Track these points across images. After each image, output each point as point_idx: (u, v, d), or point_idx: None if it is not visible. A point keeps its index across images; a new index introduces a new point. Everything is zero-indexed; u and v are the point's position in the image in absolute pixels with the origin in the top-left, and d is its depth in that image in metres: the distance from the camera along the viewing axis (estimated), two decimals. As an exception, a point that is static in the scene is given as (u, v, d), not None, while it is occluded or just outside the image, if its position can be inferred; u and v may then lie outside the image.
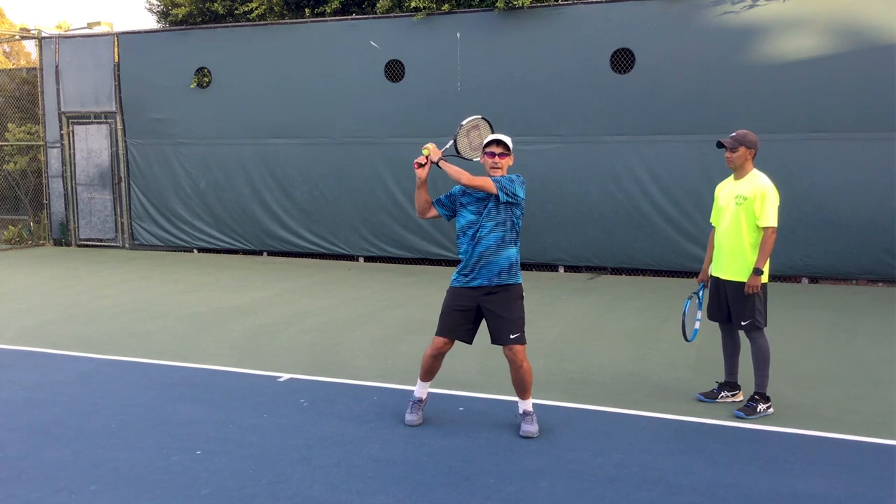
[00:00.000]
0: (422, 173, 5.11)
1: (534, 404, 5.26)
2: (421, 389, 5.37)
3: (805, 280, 10.47)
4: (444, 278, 11.19)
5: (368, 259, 12.63)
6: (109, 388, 6.21)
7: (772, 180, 10.80)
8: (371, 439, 5.05)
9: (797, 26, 9.97)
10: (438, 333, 5.20)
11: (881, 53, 9.69)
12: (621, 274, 11.24)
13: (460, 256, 5.16)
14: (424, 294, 9.97)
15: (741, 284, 5.45)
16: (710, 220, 5.88)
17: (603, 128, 10.96)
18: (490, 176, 5.12)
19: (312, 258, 12.90)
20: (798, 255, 10.34)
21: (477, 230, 5.07)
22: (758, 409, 5.39)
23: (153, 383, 6.30)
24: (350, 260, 12.71)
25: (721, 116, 10.22)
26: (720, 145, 5.59)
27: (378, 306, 9.21)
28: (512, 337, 5.03)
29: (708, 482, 4.39)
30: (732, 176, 5.68)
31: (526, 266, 11.72)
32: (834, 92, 9.93)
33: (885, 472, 4.52)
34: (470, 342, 5.27)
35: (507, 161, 5.14)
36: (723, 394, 5.72)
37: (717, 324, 5.80)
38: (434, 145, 5.12)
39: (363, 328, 8.13)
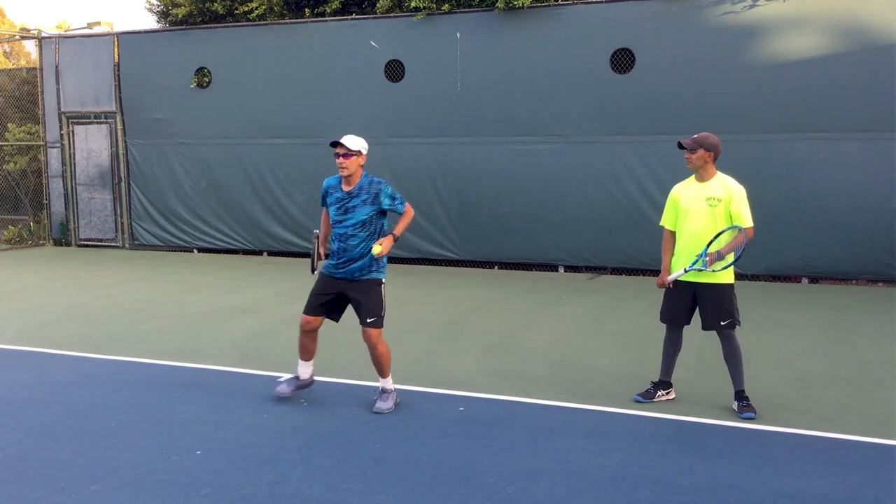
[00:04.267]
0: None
1: (534, 404, 5.27)
2: (301, 369, 5.79)
3: (805, 280, 10.47)
4: (445, 278, 11.24)
5: (368, 259, 12.61)
6: (109, 388, 6.21)
7: (772, 180, 10.85)
8: (371, 439, 5.05)
9: (797, 26, 9.97)
10: (304, 311, 5.65)
11: (881, 53, 9.68)
12: (621, 274, 11.24)
13: (333, 247, 5.59)
14: (424, 294, 9.97)
15: (721, 286, 5.47)
16: (662, 223, 5.78)
17: (603, 128, 10.96)
18: (362, 186, 5.47)
19: (312, 258, 12.88)
20: (798, 255, 10.34)
21: (343, 230, 5.48)
22: (744, 406, 5.43)
23: (153, 383, 6.31)
24: (350, 260, 12.70)
25: (721, 116, 10.21)
26: (680, 146, 5.57)
27: (378, 306, 9.20)
28: (369, 320, 5.48)
29: (708, 482, 4.40)
30: (693, 178, 5.64)
31: (526, 266, 11.73)
32: (834, 92, 9.93)
33: (885, 472, 4.52)
34: (336, 320, 5.76)
35: (355, 161, 5.44)
36: (659, 392, 5.75)
37: (687, 325, 5.79)
38: (383, 249, 5.41)
39: (363, 328, 8.12)
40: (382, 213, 5.50)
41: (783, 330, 7.89)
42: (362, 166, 5.51)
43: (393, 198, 5.50)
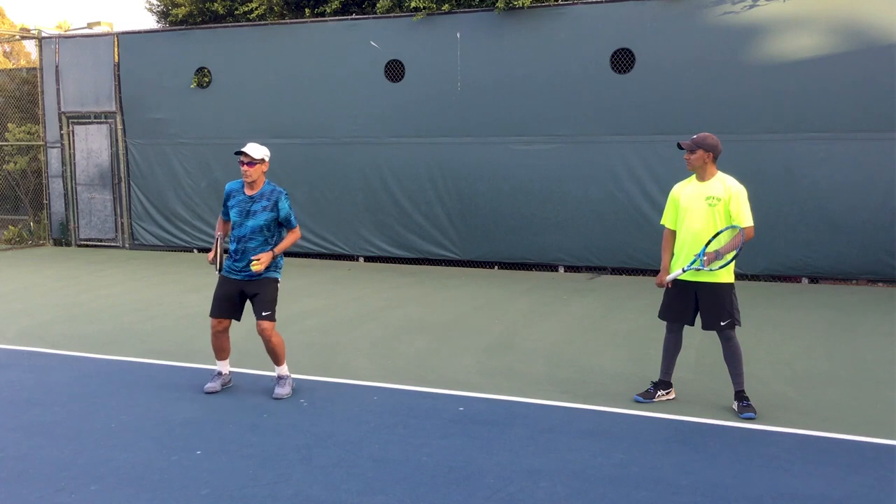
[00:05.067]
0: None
1: (534, 404, 5.27)
2: (221, 367, 6.13)
3: (805, 280, 10.47)
4: (444, 278, 11.24)
5: (368, 259, 12.63)
6: (109, 388, 6.21)
7: (772, 180, 10.85)
8: (371, 439, 5.05)
9: (797, 26, 9.97)
10: (211, 315, 5.96)
11: (881, 53, 9.68)
12: (621, 274, 11.24)
13: (231, 248, 5.89)
14: (424, 294, 9.97)
15: (721, 286, 5.47)
16: (663, 222, 5.82)
17: (603, 128, 10.96)
18: (260, 194, 5.80)
19: (312, 258, 12.89)
20: (798, 255, 10.34)
21: (243, 232, 5.80)
22: (744, 406, 5.43)
23: (153, 383, 6.31)
24: (350, 260, 12.71)
25: (721, 116, 10.21)
26: (679, 147, 5.62)
27: (378, 306, 9.21)
28: (264, 314, 5.82)
29: (708, 482, 4.40)
30: (694, 178, 5.65)
31: (526, 266, 11.72)
32: (834, 92, 9.92)
33: (885, 472, 4.52)
34: (238, 319, 6.02)
35: (258, 168, 5.77)
36: (659, 392, 5.76)
37: (685, 325, 5.78)
38: (259, 264, 5.67)
39: (363, 328, 8.13)
40: (280, 223, 5.85)
41: (783, 330, 7.89)
42: (265, 173, 5.86)
43: (289, 213, 5.84)
